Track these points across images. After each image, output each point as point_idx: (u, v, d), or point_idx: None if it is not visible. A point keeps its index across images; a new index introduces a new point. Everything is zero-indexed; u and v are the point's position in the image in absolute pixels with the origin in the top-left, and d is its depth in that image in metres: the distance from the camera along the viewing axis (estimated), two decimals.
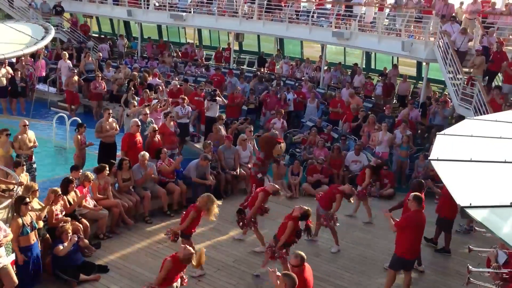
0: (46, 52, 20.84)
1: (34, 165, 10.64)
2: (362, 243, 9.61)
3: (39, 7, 24.60)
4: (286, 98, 16.36)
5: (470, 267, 6.49)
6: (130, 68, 19.43)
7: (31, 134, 10.54)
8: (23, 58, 17.65)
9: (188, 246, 6.57)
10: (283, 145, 10.23)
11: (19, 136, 10.29)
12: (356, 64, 21.25)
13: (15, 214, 6.90)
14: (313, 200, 11.17)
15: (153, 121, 12.18)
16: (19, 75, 16.72)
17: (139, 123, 11.08)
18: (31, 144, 10.46)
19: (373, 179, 10.99)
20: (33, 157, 10.66)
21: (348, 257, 9.00)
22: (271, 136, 10.37)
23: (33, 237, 6.99)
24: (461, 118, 12.11)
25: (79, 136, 11.14)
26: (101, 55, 21.29)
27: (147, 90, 14.49)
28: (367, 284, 8.16)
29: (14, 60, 17.85)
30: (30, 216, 7.05)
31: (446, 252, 9.40)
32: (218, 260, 8.50)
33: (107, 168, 9.24)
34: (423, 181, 8.91)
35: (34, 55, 18.12)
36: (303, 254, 6.01)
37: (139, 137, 10.89)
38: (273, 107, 15.96)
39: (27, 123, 10.56)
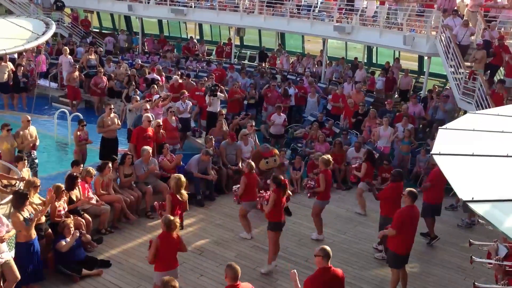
0: (47, 47, 20.82)
1: (36, 160, 10.65)
2: (364, 237, 9.62)
3: (39, 2, 24.57)
4: (287, 92, 16.31)
5: (474, 257, 6.50)
6: (131, 64, 19.40)
7: (32, 130, 10.54)
8: (25, 54, 17.64)
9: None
10: (271, 159, 10.25)
11: (21, 132, 10.30)
12: (356, 59, 21.21)
13: (14, 209, 6.91)
14: None
15: (154, 116, 12.18)
16: (21, 71, 16.70)
17: (151, 118, 11.10)
18: (32, 140, 10.45)
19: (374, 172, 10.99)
20: (35, 152, 10.65)
21: (350, 251, 9.01)
22: (257, 151, 10.53)
23: (34, 232, 7.01)
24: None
25: (78, 132, 11.15)
26: (102, 49, 21.25)
27: (155, 85, 14.49)
28: (368, 278, 8.18)
29: (16, 55, 17.82)
30: (28, 210, 7.05)
31: (433, 239, 9.46)
32: (220, 255, 8.53)
33: (110, 165, 9.25)
34: (401, 170, 9.07)
35: (35, 51, 18.11)
36: (327, 249, 5.73)
37: (150, 132, 10.90)
38: (275, 101, 15.94)
39: (29, 118, 10.56)
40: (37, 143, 10.62)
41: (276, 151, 11.03)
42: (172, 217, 6.49)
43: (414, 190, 7.47)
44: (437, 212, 9.54)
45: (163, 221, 6.47)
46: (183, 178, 7.82)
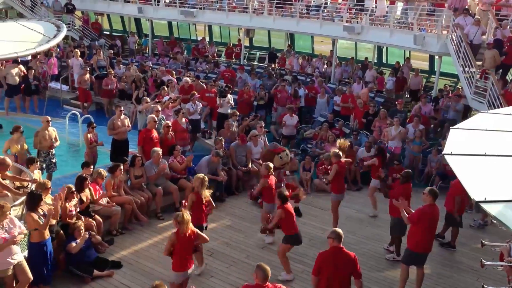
0: (58, 50, 20.98)
1: (54, 160, 10.73)
2: (374, 238, 9.57)
3: (50, 5, 24.77)
4: (297, 93, 16.27)
5: (484, 261, 6.43)
6: (137, 66, 19.49)
7: (52, 131, 10.63)
8: (38, 56, 17.81)
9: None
10: (283, 154, 10.31)
11: (40, 132, 10.39)
12: (366, 59, 21.13)
13: (28, 210, 6.97)
14: (325, 195, 11.17)
15: (164, 117, 12.22)
16: (32, 73, 16.84)
17: (156, 119, 11.15)
18: (51, 140, 10.52)
19: (384, 171, 10.93)
20: (54, 152, 10.71)
21: (360, 252, 8.92)
22: (269, 150, 10.58)
23: (47, 232, 7.06)
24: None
25: (89, 135, 11.22)
26: (112, 52, 21.41)
27: (165, 87, 14.55)
28: (378, 279, 8.14)
29: (29, 58, 17.99)
30: (42, 210, 7.12)
31: (451, 247, 9.34)
32: (230, 256, 8.52)
33: (121, 167, 9.29)
34: (410, 171, 9.09)
35: (47, 53, 18.28)
36: (337, 230, 6.22)
37: (155, 133, 10.96)
38: (284, 102, 15.92)
39: (50, 119, 10.64)
40: (57, 143, 10.70)
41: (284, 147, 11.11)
42: (178, 214, 6.49)
43: (435, 189, 7.43)
44: (451, 221, 9.36)
45: (174, 218, 6.47)
46: (206, 177, 7.83)
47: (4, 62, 16.02)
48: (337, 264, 6.03)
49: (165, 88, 14.37)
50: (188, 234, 6.44)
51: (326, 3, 21.03)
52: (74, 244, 7.52)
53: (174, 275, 6.55)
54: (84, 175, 8.69)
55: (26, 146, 10.19)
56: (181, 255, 6.46)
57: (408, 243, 7.43)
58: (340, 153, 9.35)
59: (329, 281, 6.00)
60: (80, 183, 8.42)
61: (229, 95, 14.32)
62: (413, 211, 7.47)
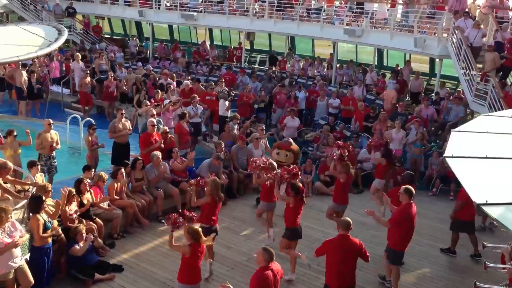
0: (62, 54, 20.99)
1: (54, 164, 10.72)
2: (376, 241, 9.52)
3: (51, 9, 24.83)
4: (295, 96, 16.27)
5: (487, 263, 6.42)
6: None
7: (54, 134, 10.64)
8: (41, 59, 17.82)
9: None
10: (282, 152, 10.56)
11: (42, 134, 10.39)
12: (361, 65, 21.08)
13: (31, 213, 6.97)
14: (326, 198, 11.16)
15: (161, 121, 12.23)
16: (35, 77, 16.84)
17: (155, 123, 11.16)
18: (50, 142, 10.52)
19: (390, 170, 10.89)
20: (54, 156, 10.70)
21: None
22: (277, 142, 10.72)
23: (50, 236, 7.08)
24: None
25: (90, 137, 11.22)
26: (113, 55, 21.46)
27: (159, 90, 14.55)
28: (381, 282, 8.11)
29: (31, 61, 18.01)
30: (45, 214, 7.13)
31: (452, 252, 9.23)
32: (230, 259, 8.52)
33: (123, 170, 9.29)
34: (412, 173, 9.00)
35: (48, 57, 18.31)
36: (346, 220, 6.55)
37: (156, 137, 10.98)
38: (283, 104, 15.92)
39: (52, 122, 10.65)
40: (58, 147, 10.71)
41: (295, 148, 11.08)
42: (195, 227, 6.47)
43: (410, 187, 7.40)
44: (471, 228, 8.97)
45: (188, 232, 6.36)
46: (217, 180, 7.84)
47: (8, 65, 16.05)
48: (344, 251, 6.35)
49: (159, 91, 14.37)
50: (201, 248, 6.42)
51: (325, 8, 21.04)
52: (78, 247, 7.51)
53: (179, 286, 6.48)
54: (80, 178, 8.67)
55: (19, 151, 10.06)
56: (191, 268, 6.41)
57: (389, 242, 7.48)
58: (351, 166, 9.29)
59: (338, 268, 6.34)
60: (78, 186, 8.41)
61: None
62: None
